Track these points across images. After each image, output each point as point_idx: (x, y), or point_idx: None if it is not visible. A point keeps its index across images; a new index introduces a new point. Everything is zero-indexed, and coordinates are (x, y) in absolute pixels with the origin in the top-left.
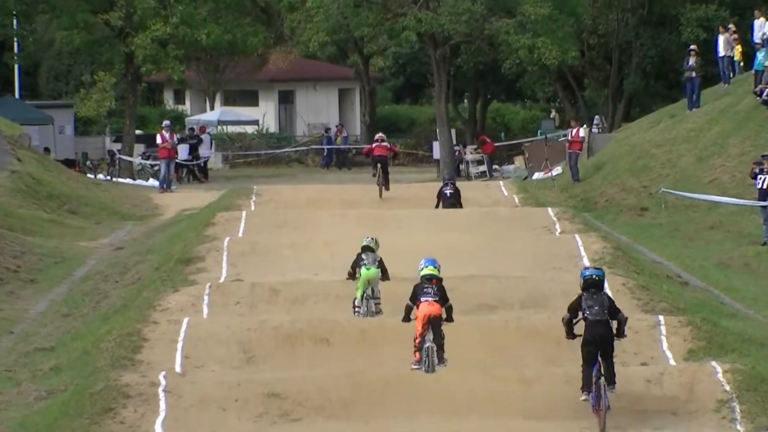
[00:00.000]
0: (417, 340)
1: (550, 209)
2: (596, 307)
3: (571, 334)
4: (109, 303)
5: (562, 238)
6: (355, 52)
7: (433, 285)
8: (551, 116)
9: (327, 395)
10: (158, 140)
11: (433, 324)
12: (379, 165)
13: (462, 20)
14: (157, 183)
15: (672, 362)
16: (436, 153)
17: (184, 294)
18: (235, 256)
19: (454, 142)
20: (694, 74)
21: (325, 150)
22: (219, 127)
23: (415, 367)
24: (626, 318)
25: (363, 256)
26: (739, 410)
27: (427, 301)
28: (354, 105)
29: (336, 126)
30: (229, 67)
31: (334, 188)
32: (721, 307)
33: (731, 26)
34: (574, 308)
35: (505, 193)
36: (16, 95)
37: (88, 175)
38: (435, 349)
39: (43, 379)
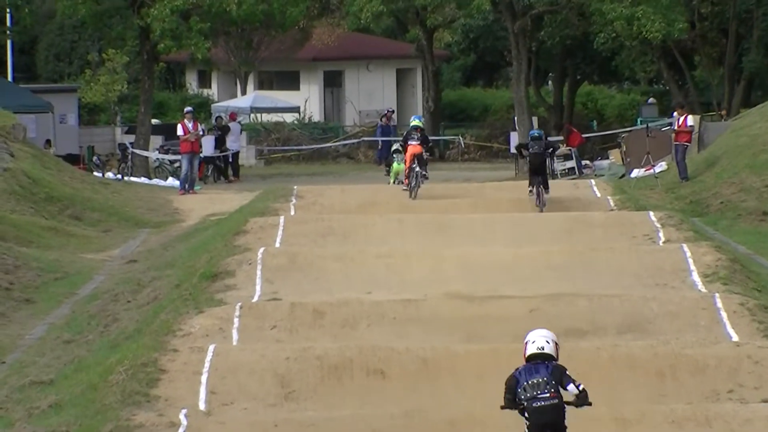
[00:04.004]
0: (407, 171)
1: (652, 214)
2: (536, 147)
3: (523, 158)
4: (120, 327)
5: (667, 248)
6: (416, 25)
7: (417, 132)
8: (648, 101)
9: None
10: (179, 131)
11: (418, 158)
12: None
13: None
14: (177, 183)
15: None
16: (514, 146)
17: (210, 316)
18: (271, 271)
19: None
20: None
21: (380, 142)
22: (252, 116)
23: (405, 189)
24: (554, 149)
25: (395, 155)
26: None
27: (412, 144)
28: (415, 88)
29: (387, 111)
30: (264, 44)
31: (389, 188)
32: None
33: None
34: (525, 147)
35: (598, 194)
36: (9, 78)
37: (95, 173)
38: (421, 173)
39: (40, 418)
